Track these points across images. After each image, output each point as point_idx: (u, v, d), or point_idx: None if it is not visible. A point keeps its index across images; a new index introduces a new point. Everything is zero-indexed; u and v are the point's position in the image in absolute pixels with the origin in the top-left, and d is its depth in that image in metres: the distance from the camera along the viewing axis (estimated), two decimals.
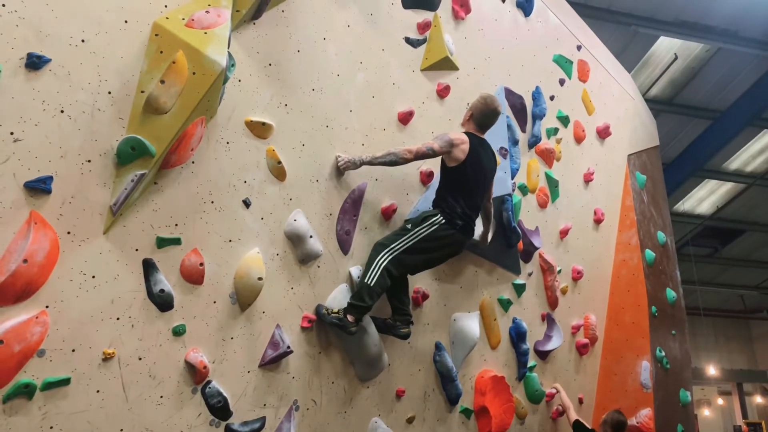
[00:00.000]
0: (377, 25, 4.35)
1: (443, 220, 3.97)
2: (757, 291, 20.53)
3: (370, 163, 3.97)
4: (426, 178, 4.54)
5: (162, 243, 3.10)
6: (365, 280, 3.75)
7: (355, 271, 4.03)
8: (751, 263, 18.77)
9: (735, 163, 14.51)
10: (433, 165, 4.54)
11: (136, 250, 3.01)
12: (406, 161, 3.97)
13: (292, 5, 3.75)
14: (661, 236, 7.48)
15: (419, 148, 3.97)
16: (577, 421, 5.54)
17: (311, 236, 3.73)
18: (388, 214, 4.25)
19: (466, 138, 4.09)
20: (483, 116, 4.27)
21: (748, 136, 13.58)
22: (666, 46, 11.49)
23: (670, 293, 7.25)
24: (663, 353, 6.70)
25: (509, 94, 5.42)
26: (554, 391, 5.84)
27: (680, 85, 12.39)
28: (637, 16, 10.53)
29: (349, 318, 3.72)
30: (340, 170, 3.98)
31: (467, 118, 4.35)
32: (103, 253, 2.87)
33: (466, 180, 4.07)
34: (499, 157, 5.04)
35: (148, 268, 3.04)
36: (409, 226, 3.97)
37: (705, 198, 15.87)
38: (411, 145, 4.12)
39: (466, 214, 4.08)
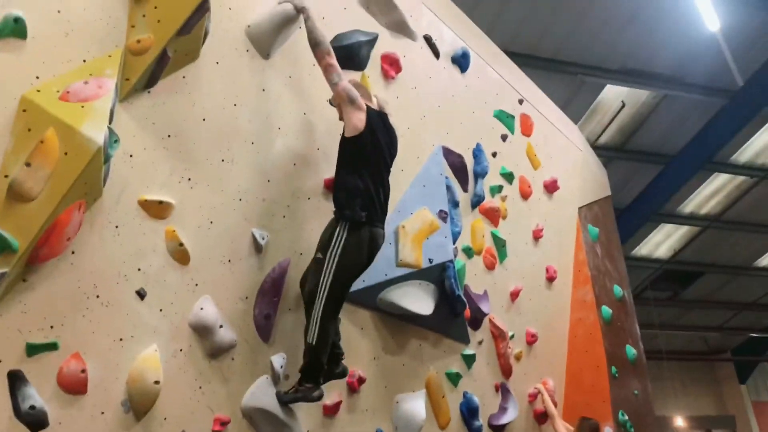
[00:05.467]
0: (297, 88, 4.04)
1: (347, 225, 3.49)
2: (719, 332, 20.50)
3: (307, 22, 3.62)
4: None
5: (33, 350, 2.66)
6: (307, 340, 3.40)
7: (278, 360, 3.61)
8: (712, 304, 18.76)
9: (689, 206, 14.56)
10: None
11: (0, 361, 2.56)
12: (319, 56, 3.56)
13: (195, 71, 3.40)
14: (618, 290, 7.23)
15: (336, 67, 3.55)
16: None
17: (221, 326, 3.31)
18: None
19: (364, 106, 3.62)
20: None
21: (700, 180, 13.67)
22: (613, 93, 11.54)
23: (630, 350, 6.97)
24: (626, 417, 6.36)
25: (448, 153, 5.15)
26: (536, 391, 5.73)
27: (630, 131, 12.43)
28: (583, 65, 10.56)
29: (307, 385, 3.42)
30: None
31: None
32: None
33: (365, 155, 3.59)
34: (438, 221, 4.73)
35: (15, 381, 2.59)
36: (320, 256, 3.49)
37: (662, 242, 15.85)
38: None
39: (369, 195, 3.55)
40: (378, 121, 3.71)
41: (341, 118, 3.77)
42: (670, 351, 19.10)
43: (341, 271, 3.47)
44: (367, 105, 3.71)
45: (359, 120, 3.59)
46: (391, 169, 3.86)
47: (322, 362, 3.46)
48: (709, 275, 17.21)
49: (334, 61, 3.59)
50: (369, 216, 3.55)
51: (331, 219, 3.63)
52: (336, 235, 3.49)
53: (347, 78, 3.70)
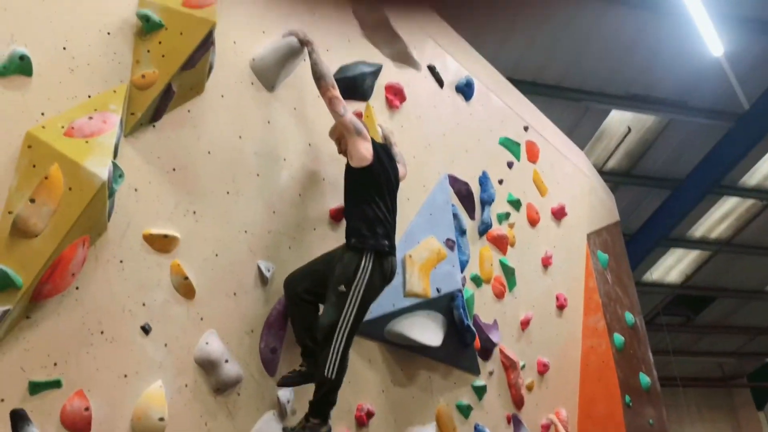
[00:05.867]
0: (302, 119, 4.05)
1: (372, 257, 3.42)
2: (734, 357, 20.17)
3: (312, 55, 3.70)
4: None
5: (36, 388, 2.62)
6: (326, 374, 3.29)
7: (285, 394, 3.55)
8: (726, 329, 18.46)
9: (699, 230, 14.42)
10: None
11: (2, 400, 2.52)
12: (324, 89, 3.61)
13: (200, 104, 3.42)
14: (629, 317, 7.13)
15: (341, 99, 3.61)
16: None
17: (227, 360, 3.25)
18: None
19: (370, 137, 3.66)
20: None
21: (709, 203, 13.54)
22: (619, 119, 11.52)
23: (644, 378, 6.84)
24: None
25: (454, 181, 5.13)
26: (549, 421, 5.58)
27: (637, 156, 12.37)
28: (587, 91, 10.56)
29: (314, 421, 3.31)
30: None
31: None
32: None
33: (378, 184, 3.59)
34: (445, 250, 4.69)
35: (18, 420, 2.55)
36: (343, 288, 3.37)
37: (673, 266, 15.67)
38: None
39: (389, 223, 3.57)
40: (382, 151, 3.73)
41: (341, 152, 3.78)
42: (684, 378, 18.76)
43: (365, 303, 3.43)
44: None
45: (367, 150, 3.59)
46: (397, 197, 3.85)
47: (335, 397, 3.39)
48: (722, 300, 16.97)
49: (338, 93, 3.61)
50: (390, 245, 3.55)
51: (347, 252, 3.51)
52: (362, 267, 3.41)
53: (352, 109, 3.71)
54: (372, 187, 3.58)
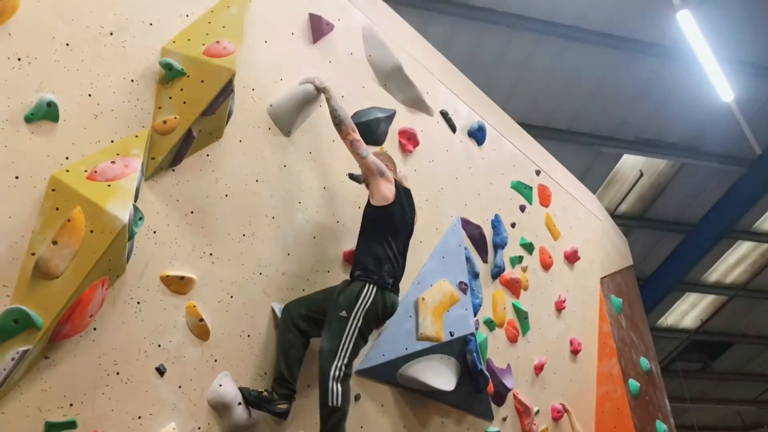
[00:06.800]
0: (317, 163, 4.12)
1: (374, 288, 3.50)
2: (754, 405, 19.70)
3: (330, 101, 3.75)
4: None
5: (51, 429, 2.65)
6: (329, 404, 3.25)
7: None
8: (744, 376, 18.10)
9: (714, 275, 14.30)
10: None
11: None
12: (344, 133, 3.69)
13: (219, 149, 3.50)
14: (645, 363, 7.03)
15: (362, 141, 3.69)
16: None
17: (240, 403, 3.26)
18: None
19: (393, 179, 3.77)
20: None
21: (724, 248, 13.48)
22: (631, 163, 11.59)
23: (661, 426, 6.71)
24: None
25: (466, 224, 5.16)
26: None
27: (649, 200, 12.39)
28: (598, 135, 10.66)
29: None
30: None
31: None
32: None
33: (394, 225, 3.68)
34: (458, 293, 4.69)
35: None
36: (344, 314, 3.42)
37: (688, 311, 15.50)
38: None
39: (397, 263, 3.67)
40: (404, 195, 3.82)
41: (364, 180, 3.87)
42: (703, 427, 18.32)
43: (364, 330, 3.48)
44: (394, 179, 3.84)
45: (389, 191, 3.70)
46: (410, 242, 3.90)
47: (344, 428, 3.34)
48: (740, 345, 16.70)
49: (358, 136, 3.71)
50: (394, 283, 3.64)
51: (349, 282, 3.59)
52: (364, 294, 3.49)
53: (371, 151, 3.80)
54: (387, 227, 3.67)
